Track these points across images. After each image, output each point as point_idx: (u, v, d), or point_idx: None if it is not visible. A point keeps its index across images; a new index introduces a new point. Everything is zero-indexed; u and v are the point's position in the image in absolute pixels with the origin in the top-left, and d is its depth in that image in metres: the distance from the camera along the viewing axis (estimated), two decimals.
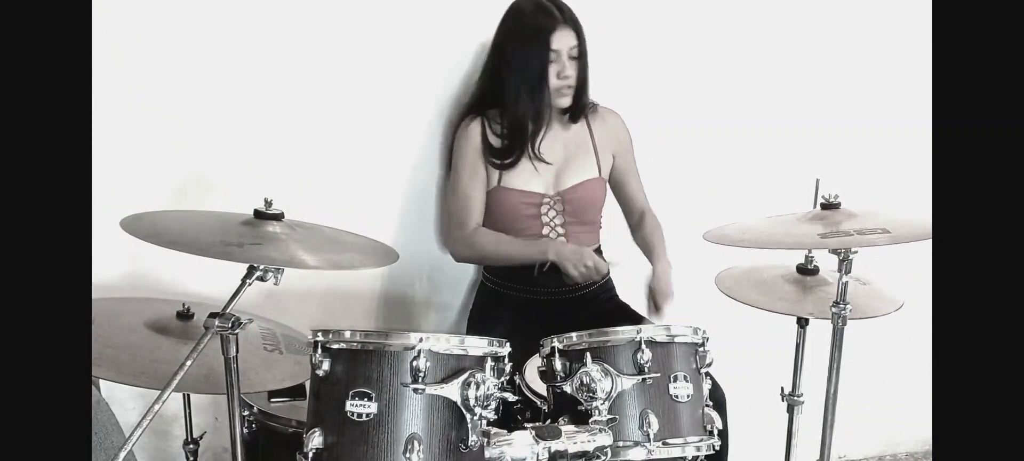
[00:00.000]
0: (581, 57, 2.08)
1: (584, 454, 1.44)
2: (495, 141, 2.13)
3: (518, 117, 2.09)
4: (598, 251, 2.24)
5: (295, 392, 1.71)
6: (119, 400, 1.93)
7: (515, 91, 2.06)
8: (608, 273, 2.23)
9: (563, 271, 2.06)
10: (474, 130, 2.13)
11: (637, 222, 2.27)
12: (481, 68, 2.17)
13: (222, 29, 2.01)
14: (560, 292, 2.16)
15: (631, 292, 2.25)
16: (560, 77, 2.05)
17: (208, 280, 1.96)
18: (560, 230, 2.15)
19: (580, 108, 2.16)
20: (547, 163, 2.13)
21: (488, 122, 2.14)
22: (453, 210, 2.17)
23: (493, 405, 1.42)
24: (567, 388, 1.50)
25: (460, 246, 2.17)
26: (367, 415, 1.35)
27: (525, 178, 2.12)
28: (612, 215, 2.30)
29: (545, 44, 2.02)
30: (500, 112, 2.12)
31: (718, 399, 1.87)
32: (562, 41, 2.03)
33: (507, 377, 1.46)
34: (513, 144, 2.11)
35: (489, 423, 1.42)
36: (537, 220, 2.14)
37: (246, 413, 1.75)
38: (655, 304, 2.09)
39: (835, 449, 1.89)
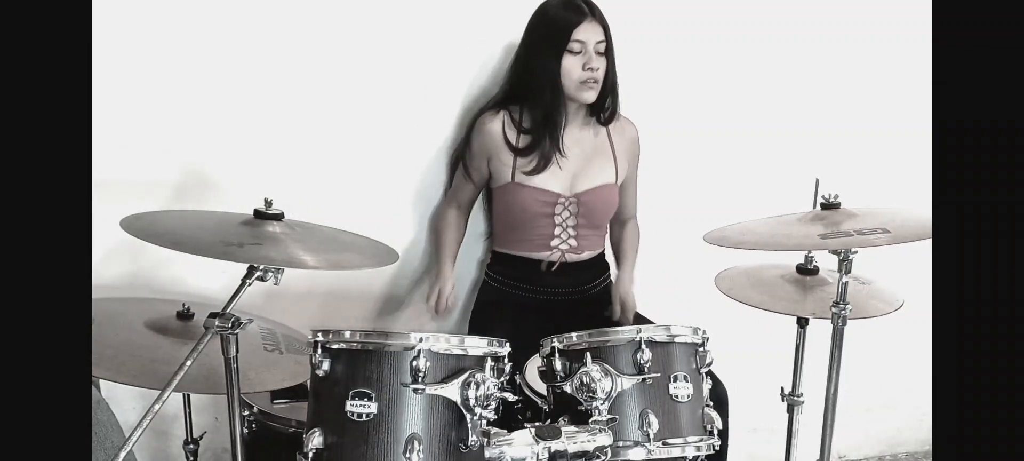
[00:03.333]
0: (608, 53, 2.06)
1: (584, 454, 1.44)
2: (517, 137, 2.11)
3: (544, 113, 2.07)
4: (602, 256, 2.25)
5: (298, 393, 1.71)
6: (119, 400, 1.93)
7: (539, 87, 2.05)
8: (607, 269, 2.25)
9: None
10: (492, 126, 2.11)
11: (620, 227, 2.29)
12: (507, 66, 2.17)
13: (222, 29, 2.01)
14: (562, 292, 2.17)
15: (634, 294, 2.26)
16: (586, 69, 2.02)
17: (208, 280, 1.96)
18: (571, 231, 2.15)
19: (610, 110, 2.15)
20: (566, 158, 2.11)
21: (510, 117, 2.12)
22: (452, 182, 2.25)
23: (493, 405, 1.42)
24: (567, 388, 1.50)
25: (437, 211, 2.28)
26: (367, 415, 1.35)
27: (543, 177, 2.10)
28: None
29: (564, 38, 2.01)
30: (522, 109, 2.11)
31: (720, 397, 1.87)
32: (588, 34, 2.01)
33: (507, 377, 1.46)
34: (538, 139, 2.08)
35: (489, 423, 1.42)
36: (550, 219, 2.13)
37: (246, 413, 1.75)
38: (620, 310, 2.12)
39: (835, 449, 1.89)
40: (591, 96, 2.07)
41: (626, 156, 2.22)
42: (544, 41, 2.05)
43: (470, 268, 2.38)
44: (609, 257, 2.28)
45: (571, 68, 2.02)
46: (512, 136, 2.11)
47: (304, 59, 2.09)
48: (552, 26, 2.04)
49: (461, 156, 2.20)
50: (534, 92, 2.07)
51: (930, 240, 1.20)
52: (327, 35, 2.09)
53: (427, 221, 2.30)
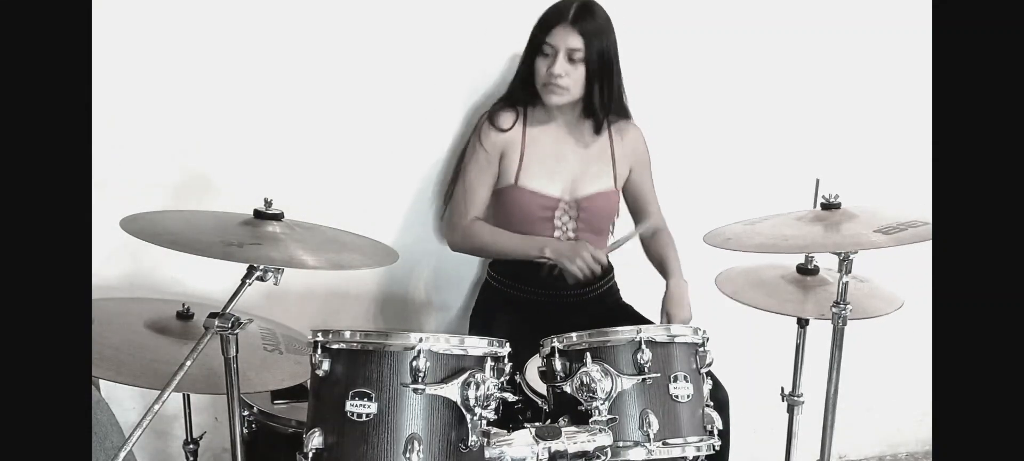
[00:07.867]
0: (587, 63, 2.02)
1: (584, 454, 1.43)
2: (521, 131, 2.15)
3: (513, 106, 2.14)
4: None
5: (298, 393, 1.71)
6: (119, 400, 1.93)
7: (517, 84, 2.13)
8: (611, 270, 2.24)
9: (563, 270, 2.05)
10: (497, 123, 2.13)
11: (650, 238, 2.25)
12: (507, 67, 2.19)
13: (223, 29, 2.01)
14: (564, 293, 2.16)
15: (635, 293, 2.25)
16: (548, 72, 2.02)
17: (208, 280, 1.96)
18: (571, 235, 2.15)
19: (600, 120, 2.14)
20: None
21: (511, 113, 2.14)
22: (456, 199, 2.18)
23: (493, 405, 1.42)
24: (567, 388, 1.50)
25: (457, 235, 2.19)
26: (367, 415, 1.35)
27: (543, 181, 2.12)
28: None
29: (538, 39, 2.04)
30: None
31: (721, 400, 1.87)
32: (561, 39, 2.00)
33: (507, 377, 1.46)
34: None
35: (489, 423, 1.42)
36: (550, 223, 2.14)
37: (246, 413, 1.75)
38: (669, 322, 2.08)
39: (835, 449, 1.89)
40: (554, 100, 2.07)
41: (627, 161, 2.22)
42: (529, 40, 2.09)
43: (471, 268, 2.38)
44: (613, 258, 2.28)
45: (539, 68, 2.06)
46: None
47: (304, 59, 2.09)
48: (536, 26, 2.07)
49: (466, 164, 2.16)
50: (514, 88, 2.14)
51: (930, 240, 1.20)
52: (327, 35, 2.09)
53: (427, 220, 2.30)
